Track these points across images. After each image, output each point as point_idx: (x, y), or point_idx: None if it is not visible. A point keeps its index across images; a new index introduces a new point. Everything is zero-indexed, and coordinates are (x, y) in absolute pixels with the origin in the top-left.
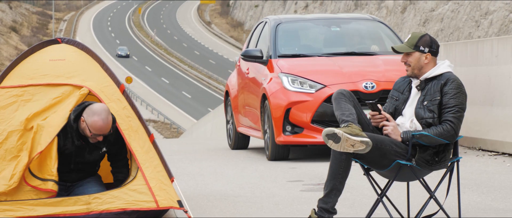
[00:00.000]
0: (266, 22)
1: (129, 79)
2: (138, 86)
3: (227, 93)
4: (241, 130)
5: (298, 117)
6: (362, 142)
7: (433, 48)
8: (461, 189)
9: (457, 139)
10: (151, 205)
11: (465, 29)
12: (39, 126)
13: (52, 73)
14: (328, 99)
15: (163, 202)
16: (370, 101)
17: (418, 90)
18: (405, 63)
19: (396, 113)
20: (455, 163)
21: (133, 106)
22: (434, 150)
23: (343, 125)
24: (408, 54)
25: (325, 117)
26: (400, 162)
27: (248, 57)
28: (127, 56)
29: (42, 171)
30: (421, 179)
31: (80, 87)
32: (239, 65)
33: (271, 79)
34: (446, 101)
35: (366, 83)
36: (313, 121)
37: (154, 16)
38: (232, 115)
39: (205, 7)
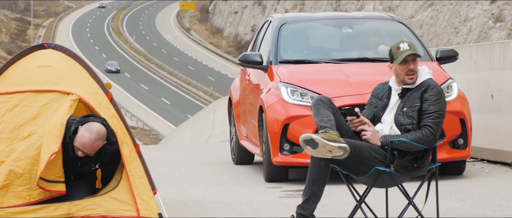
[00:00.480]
0: (271, 21)
1: (108, 86)
2: (117, 93)
3: (230, 100)
4: (243, 143)
5: (298, 133)
6: (340, 147)
7: None
8: (440, 195)
9: (436, 145)
10: (132, 214)
11: (444, 36)
12: (36, 137)
13: (40, 80)
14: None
15: (144, 212)
16: (347, 107)
17: (400, 97)
18: (412, 71)
19: (374, 119)
20: (434, 169)
21: (120, 115)
22: (412, 156)
23: (321, 131)
24: (415, 61)
25: None
26: (379, 168)
27: (245, 62)
28: (117, 71)
29: (48, 174)
30: (399, 185)
31: (67, 94)
32: (243, 69)
33: (270, 89)
34: (426, 108)
35: None
36: None
37: (133, 23)
38: (235, 124)
39: (184, 13)
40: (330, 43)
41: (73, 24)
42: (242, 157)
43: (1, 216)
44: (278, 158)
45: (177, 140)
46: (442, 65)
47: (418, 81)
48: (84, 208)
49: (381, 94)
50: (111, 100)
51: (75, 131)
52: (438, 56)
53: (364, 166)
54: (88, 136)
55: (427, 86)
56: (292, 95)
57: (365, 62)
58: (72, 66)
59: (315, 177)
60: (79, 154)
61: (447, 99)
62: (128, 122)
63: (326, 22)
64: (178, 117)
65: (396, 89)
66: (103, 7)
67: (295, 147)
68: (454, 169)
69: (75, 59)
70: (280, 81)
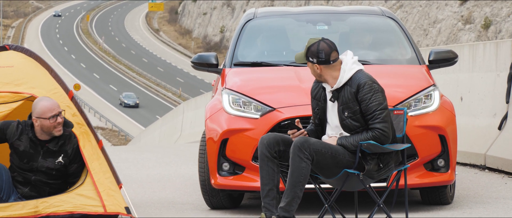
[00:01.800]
0: None
1: (77, 87)
2: (86, 94)
3: None
4: None
5: (237, 151)
6: None
7: (321, 58)
8: (408, 198)
9: (404, 148)
10: (99, 210)
11: (414, 38)
12: None
13: (1, 81)
14: (279, 128)
15: (111, 207)
16: (286, 122)
17: (333, 101)
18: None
19: (322, 122)
20: (403, 172)
21: (82, 113)
22: (376, 156)
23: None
24: (315, 63)
25: None
26: (348, 170)
27: (199, 65)
28: (136, 106)
29: None
30: (369, 187)
31: (24, 94)
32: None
33: (216, 96)
34: (365, 109)
35: None
36: (255, 158)
37: (102, 23)
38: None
39: (153, 14)
40: (300, 42)
41: (42, 25)
42: None
43: None
44: (217, 180)
45: (146, 141)
46: (438, 69)
47: (345, 78)
48: (50, 205)
49: (319, 96)
50: (72, 98)
51: (32, 124)
52: (431, 58)
53: (337, 169)
54: (42, 101)
55: (357, 86)
56: (233, 105)
57: None
58: (33, 67)
59: (298, 179)
60: (60, 120)
61: (424, 111)
62: (97, 123)
63: (300, 17)
64: (147, 118)
65: (329, 91)
66: (59, 15)
67: (236, 167)
68: (434, 198)
69: (36, 59)
70: (225, 88)
